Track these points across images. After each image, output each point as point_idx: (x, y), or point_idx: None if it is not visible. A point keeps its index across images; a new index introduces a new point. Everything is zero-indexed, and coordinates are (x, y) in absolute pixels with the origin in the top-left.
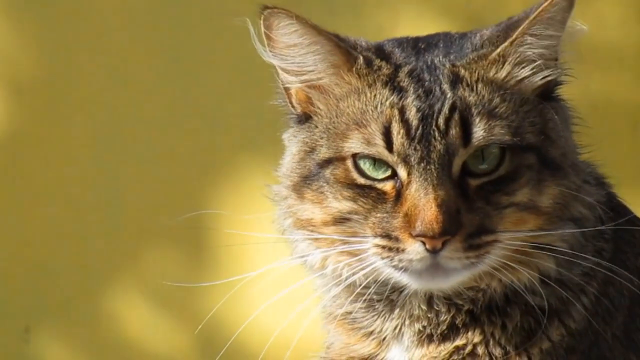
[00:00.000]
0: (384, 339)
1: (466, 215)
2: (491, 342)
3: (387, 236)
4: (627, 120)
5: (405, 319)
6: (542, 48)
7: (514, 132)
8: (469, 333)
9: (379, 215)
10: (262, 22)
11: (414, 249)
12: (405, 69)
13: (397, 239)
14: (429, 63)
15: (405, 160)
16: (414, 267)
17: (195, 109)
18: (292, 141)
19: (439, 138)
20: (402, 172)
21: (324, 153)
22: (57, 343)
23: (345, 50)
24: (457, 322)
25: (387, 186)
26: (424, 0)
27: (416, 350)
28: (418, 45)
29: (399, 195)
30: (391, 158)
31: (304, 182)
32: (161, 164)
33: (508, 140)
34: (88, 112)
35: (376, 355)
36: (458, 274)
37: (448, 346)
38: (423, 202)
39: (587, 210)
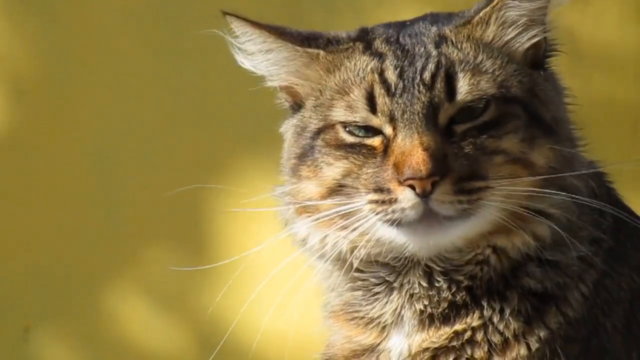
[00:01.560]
0: (384, 326)
1: (454, 160)
2: (490, 328)
3: (379, 190)
4: (627, 120)
5: (404, 301)
6: (524, 10)
7: (499, 85)
8: (468, 317)
9: (369, 170)
10: (230, 34)
11: (405, 196)
12: (382, 37)
13: (388, 191)
14: (414, 31)
15: (390, 117)
16: (407, 217)
17: (196, 109)
18: (287, 130)
19: (424, 91)
20: (388, 130)
21: (315, 125)
22: (56, 343)
23: (304, 52)
24: (457, 300)
25: (376, 141)
26: (424, 0)
27: (416, 335)
28: (405, 24)
29: (386, 149)
30: (376, 120)
31: (300, 161)
32: (161, 164)
33: (493, 93)
34: (88, 112)
35: (378, 345)
36: (454, 225)
37: (447, 330)
38: (409, 148)
39: (579, 181)
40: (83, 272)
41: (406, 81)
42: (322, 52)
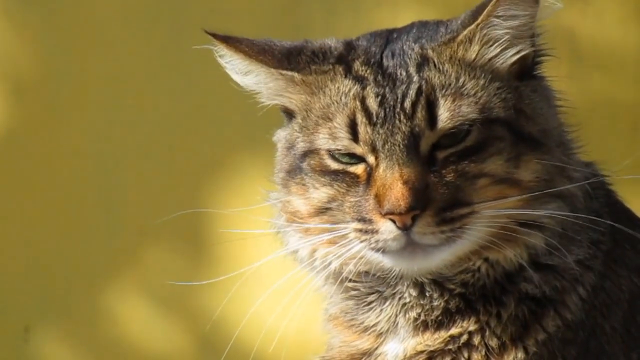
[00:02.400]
0: (380, 333)
1: (436, 190)
2: (487, 332)
3: (362, 219)
4: (627, 120)
5: (398, 309)
6: (509, 28)
7: (481, 109)
8: (464, 321)
9: (353, 199)
10: (217, 53)
11: (386, 228)
12: (363, 59)
13: (370, 221)
14: (398, 49)
15: (372, 146)
16: (390, 247)
17: (196, 109)
18: (280, 141)
19: (404, 120)
20: (370, 158)
21: (301, 147)
22: (56, 343)
23: (279, 75)
24: (450, 306)
25: (359, 169)
26: (424, 0)
27: (411, 339)
28: (391, 36)
29: (369, 178)
30: (359, 149)
31: (289, 176)
32: (161, 164)
33: (475, 117)
34: (88, 111)
35: (375, 349)
36: (438, 251)
37: (443, 334)
38: (390, 180)
39: (575, 189)
40: (83, 272)
41: (387, 110)
42: (296, 75)
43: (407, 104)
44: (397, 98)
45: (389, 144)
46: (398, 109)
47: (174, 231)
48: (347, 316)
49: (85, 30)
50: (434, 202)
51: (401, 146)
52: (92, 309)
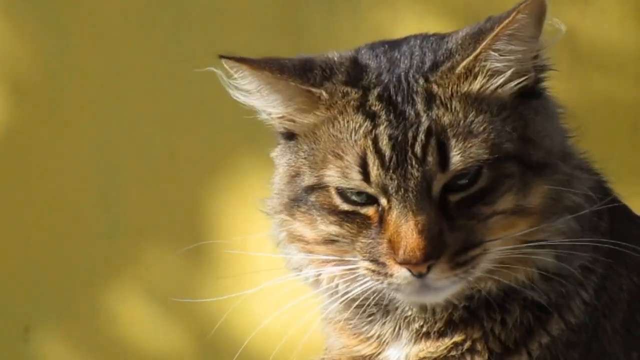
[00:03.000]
0: (383, 341)
1: (449, 235)
2: (491, 338)
3: (374, 261)
4: (627, 120)
5: (400, 322)
6: (509, 61)
7: (492, 148)
8: (468, 329)
9: (364, 240)
10: (225, 72)
11: (401, 275)
12: (375, 92)
13: (384, 265)
14: (402, 79)
15: (384, 190)
16: (403, 289)
17: (196, 109)
18: (280, 160)
19: (416, 165)
20: (382, 200)
21: (307, 180)
22: (56, 343)
23: (305, 91)
24: (454, 318)
25: (371, 211)
26: (424, 0)
27: (413, 346)
28: (393, 56)
29: (382, 219)
30: (370, 189)
31: (293, 203)
32: (161, 164)
33: (486, 157)
34: (88, 111)
35: (377, 355)
36: (449, 289)
37: (446, 342)
38: (404, 229)
39: (580, 198)
40: (83, 272)
41: (399, 154)
42: (324, 93)
43: (418, 148)
44: (408, 141)
45: (402, 190)
46: (409, 154)
47: (174, 231)
48: (348, 324)
49: (85, 30)
50: (448, 248)
51: (414, 192)
52: (92, 309)
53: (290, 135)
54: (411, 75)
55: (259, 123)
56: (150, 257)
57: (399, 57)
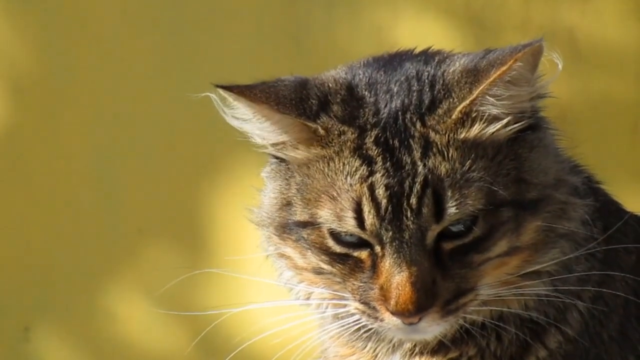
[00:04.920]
0: (377, 355)
1: (442, 284)
2: (486, 354)
3: (366, 304)
4: (627, 120)
5: (393, 340)
6: (506, 107)
7: (487, 196)
8: (463, 346)
9: (356, 283)
10: (220, 99)
11: (392, 322)
12: (372, 134)
13: (375, 309)
14: (400, 120)
15: (378, 238)
16: (393, 331)
17: (196, 109)
18: (270, 183)
19: (411, 218)
20: (376, 248)
21: (299, 215)
22: (57, 342)
23: (301, 125)
24: (446, 339)
25: (363, 254)
26: (424, 0)
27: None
28: (389, 87)
29: (374, 264)
30: (364, 234)
31: (284, 230)
32: (161, 164)
33: (482, 208)
34: (88, 111)
35: None
36: (437, 330)
37: (441, 358)
38: (397, 279)
39: (575, 223)
40: (83, 272)
41: (395, 204)
42: (319, 127)
43: (414, 199)
44: (404, 192)
45: (397, 241)
46: (405, 205)
47: (174, 231)
48: (342, 335)
49: (85, 30)
50: (439, 298)
51: (409, 244)
52: (92, 308)
53: (282, 159)
54: (408, 117)
55: None
56: (150, 257)
57: (394, 89)
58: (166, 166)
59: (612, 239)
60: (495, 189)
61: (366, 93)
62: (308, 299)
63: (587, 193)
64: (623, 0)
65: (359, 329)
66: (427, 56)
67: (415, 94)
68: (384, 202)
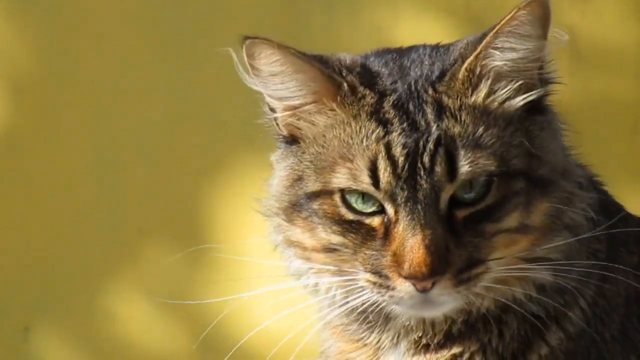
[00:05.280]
0: (380, 348)
1: (455, 251)
2: (488, 350)
3: (377, 273)
4: (627, 120)
5: (399, 330)
6: (510, 61)
7: (500, 161)
8: (466, 341)
9: (368, 252)
10: (244, 51)
11: (404, 288)
12: (390, 99)
13: (387, 277)
14: (413, 88)
15: (392, 198)
16: (404, 302)
17: (196, 109)
18: (281, 164)
19: (425, 176)
20: (389, 209)
21: (311, 185)
22: (56, 342)
23: (328, 77)
24: (453, 331)
25: (376, 222)
26: (424, 0)
27: (412, 358)
28: (403, 64)
29: (387, 231)
30: (378, 194)
31: (294, 209)
32: (161, 164)
33: (495, 171)
34: (88, 111)
35: None
36: (449, 305)
37: (445, 353)
38: (411, 242)
39: (579, 216)
40: (83, 272)
41: (410, 162)
42: (345, 83)
43: (427, 157)
44: (419, 151)
45: (411, 201)
46: (419, 164)
47: (174, 231)
48: (347, 329)
49: (85, 30)
50: (453, 265)
51: (423, 204)
52: (92, 308)
53: (292, 140)
54: (421, 85)
55: (259, 123)
56: (150, 257)
57: (408, 65)
58: (166, 166)
59: (614, 240)
60: (508, 156)
61: (381, 69)
62: (317, 285)
63: (591, 190)
64: (623, 0)
65: (365, 317)
66: (436, 44)
67: (427, 67)
68: (400, 159)
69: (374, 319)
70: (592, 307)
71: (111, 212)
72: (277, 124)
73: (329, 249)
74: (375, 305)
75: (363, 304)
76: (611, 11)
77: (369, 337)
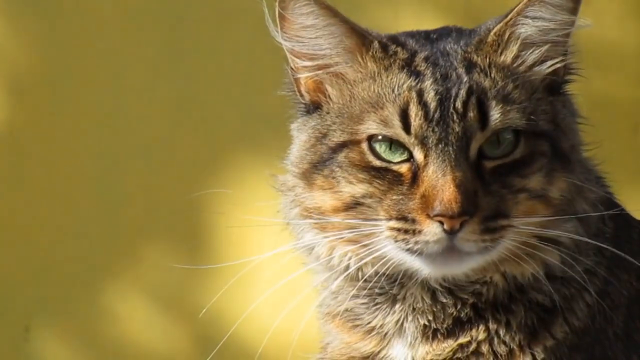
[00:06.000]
0: (385, 334)
1: (483, 198)
2: (495, 340)
3: (403, 218)
4: (627, 120)
5: (407, 313)
6: (540, 30)
7: (529, 117)
8: (473, 330)
9: (394, 197)
10: (277, 2)
11: (431, 230)
12: (422, 55)
13: (413, 221)
14: (442, 50)
15: (423, 142)
16: (429, 249)
17: (196, 108)
18: (302, 130)
19: (457, 120)
20: (418, 155)
21: (338, 137)
22: (56, 342)
23: (360, 34)
24: (462, 315)
25: (404, 168)
26: (424, 0)
27: (420, 347)
28: (430, 37)
29: (415, 177)
30: (408, 140)
31: (315, 169)
32: (161, 163)
33: (524, 125)
34: (88, 111)
35: (378, 353)
36: (472, 259)
37: (452, 343)
38: (441, 182)
39: (590, 207)
40: (83, 272)
41: (443, 110)
42: (376, 41)
43: (459, 103)
44: (451, 97)
45: (442, 144)
46: (451, 109)
47: (174, 231)
48: (350, 315)
49: (85, 30)
50: (481, 210)
51: (454, 147)
52: (92, 308)
53: (313, 108)
54: (450, 47)
55: (259, 123)
56: (150, 257)
57: (435, 37)
58: (167, 166)
59: (620, 240)
60: (536, 116)
61: (409, 39)
62: (330, 255)
63: (600, 187)
64: (623, 1)
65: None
66: (460, 27)
67: (455, 37)
68: (432, 104)
69: (381, 300)
70: (597, 303)
71: (111, 212)
72: (299, 91)
73: (351, 206)
74: (390, 266)
75: (374, 266)
76: (611, 12)
77: (372, 321)
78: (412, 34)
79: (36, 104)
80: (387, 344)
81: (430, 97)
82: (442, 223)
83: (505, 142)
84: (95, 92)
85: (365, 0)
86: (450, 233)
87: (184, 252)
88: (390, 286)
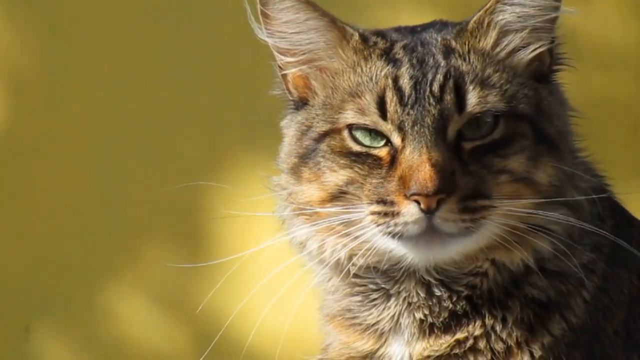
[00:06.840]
0: (382, 333)
1: (461, 178)
2: (492, 336)
3: (382, 201)
4: (627, 120)
5: (403, 308)
6: (520, 16)
7: (508, 100)
8: (470, 326)
9: (374, 181)
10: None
11: (409, 210)
12: (401, 44)
13: (392, 203)
14: (423, 39)
15: (400, 127)
16: (409, 231)
17: (195, 108)
18: (290, 125)
19: (434, 103)
20: (396, 139)
21: (320, 127)
22: (56, 342)
23: (341, 27)
24: (457, 309)
25: (383, 152)
26: (424, 0)
27: (417, 343)
28: (415, 29)
29: (393, 160)
30: (385, 126)
31: (302, 162)
32: (161, 163)
33: (502, 108)
34: (88, 111)
35: (376, 351)
36: (454, 242)
37: (449, 339)
38: (417, 162)
39: (580, 195)
40: (83, 272)
41: (418, 92)
42: (356, 33)
43: (436, 86)
44: (427, 81)
45: (418, 125)
46: (428, 92)
47: (174, 231)
48: (348, 314)
49: (85, 31)
50: (458, 189)
51: (430, 129)
52: (92, 308)
53: (301, 104)
54: (430, 36)
55: (259, 123)
56: (150, 257)
57: (419, 30)
58: (167, 166)
59: (620, 237)
60: (516, 99)
61: (392, 32)
62: (322, 251)
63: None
64: (623, 1)
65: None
66: (445, 21)
67: (438, 29)
68: (407, 89)
69: (375, 296)
70: (595, 300)
71: (111, 212)
72: (287, 88)
73: (336, 195)
74: (378, 255)
75: (368, 266)
76: (612, 11)
77: (368, 317)
78: (398, 29)
79: (36, 104)
80: (384, 342)
81: (405, 81)
82: (418, 203)
83: (485, 126)
84: (95, 92)
85: (365, 0)
86: (428, 212)
87: (184, 252)
88: (384, 281)
